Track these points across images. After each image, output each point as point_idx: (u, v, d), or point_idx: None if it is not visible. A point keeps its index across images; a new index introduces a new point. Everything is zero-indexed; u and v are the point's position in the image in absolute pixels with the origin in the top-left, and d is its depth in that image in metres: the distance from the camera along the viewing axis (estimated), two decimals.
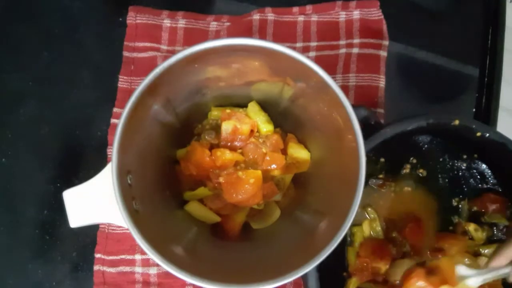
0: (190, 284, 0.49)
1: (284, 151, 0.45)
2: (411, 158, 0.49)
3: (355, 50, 0.53)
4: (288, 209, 0.45)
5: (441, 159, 0.49)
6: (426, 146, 0.49)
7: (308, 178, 0.46)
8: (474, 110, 0.55)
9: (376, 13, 0.53)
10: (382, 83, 0.53)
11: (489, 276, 0.36)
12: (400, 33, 0.54)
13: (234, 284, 0.33)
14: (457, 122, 0.43)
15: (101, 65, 0.53)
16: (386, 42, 0.53)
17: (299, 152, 0.45)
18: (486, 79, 0.55)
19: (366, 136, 0.35)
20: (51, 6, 0.54)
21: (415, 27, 0.56)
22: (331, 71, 0.53)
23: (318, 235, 0.37)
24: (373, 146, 0.42)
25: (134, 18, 0.53)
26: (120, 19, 0.53)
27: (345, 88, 0.52)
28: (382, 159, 0.49)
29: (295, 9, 0.54)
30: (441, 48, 0.55)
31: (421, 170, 0.49)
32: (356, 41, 0.53)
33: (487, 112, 0.54)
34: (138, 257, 0.49)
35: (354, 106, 0.34)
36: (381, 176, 0.49)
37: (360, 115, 0.34)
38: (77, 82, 0.52)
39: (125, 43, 0.53)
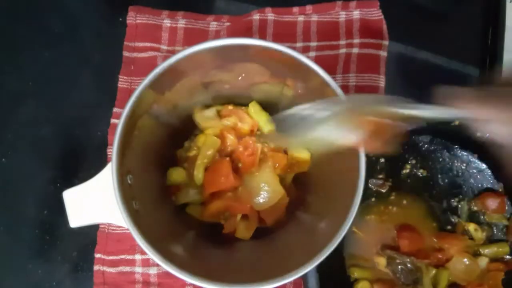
0: (190, 284, 0.49)
1: (285, 151, 0.45)
2: (411, 159, 0.49)
3: (355, 50, 0.53)
4: (288, 209, 0.45)
5: (440, 159, 0.49)
6: (426, 146, 0.49)
7: (308, 178, 0.46)
8: None
9: (376, 13, 0.53)
10: (382, 83, 0.53)
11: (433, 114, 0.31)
12: (400, 33, 0.54)
13: (234, 284, 0.33)
14: (457, 122, 0.43)
15: (101, 65, 0.53)
16: (386, 42, 0.53)
17: (300, 152, 0.45)
18: None
19: None
20: (51, 6, 0.54)
21: (415, 27, 0.56)
22: (331, 71, 0.52)
23: (318, 235, 0.38)
24: None
25: (134, 18, 0.53)
26: (120, 19, 0.53)
27: (345, 88, 0.52)
28: (382, 160, 0.49)
29: (295, 9, 0.54)
30: (441, 48, 0.55)
31: (421, 170, 0.49)
32: (356, 41, 0.53)
33: None
34: (138, 257, 0.49)
35: None
36: (381, 176, 0.49)
37: None
38: (77, 82, 0.52)
39: (125, 43, 0.53)
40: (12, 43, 0.53)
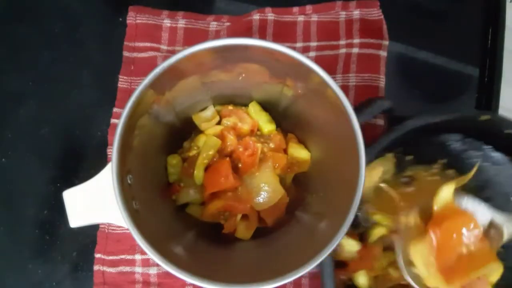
0: (190, 284, 0.49)
1: (284, 151, 0.45)
2: (439, 158, 0.46)
3: (355, 50, 0.53)
4: (288, 209, 0.45)
5: (471, 160, 0.46)
6: (455, 145, 0.46)
7: (308, 178, 0.46)
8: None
9: (376, 13, 0.53)
10: (382, 83, 0.53)
11: None
12: (400, 33, 0.54)
13: (234, 284, 0.33)
14: (484, 117, 0.40)
15: (101, 65, 0.53)
16: (386, 42, 0.53)
17: (299, 152, 0.45)
18: (486, 79, 0.55)
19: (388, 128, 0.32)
20: (51, 6, 0.54)
21: (415, 27, 0.56)
22: (331, 71, 0.53)
23: (318, 235, 0.37)
24: (395, 137, 0.40)
25: (134, 18, 0.53)
26: (120, 19, 0.53)
27: (345, 88, 0.52)
28: (410, 157, 0.46)
29: (295, 9, 0.54)
30: (441, 48, 0.55)
31: (450, 171, 0.46)
32: (356, 41, 0.53)
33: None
34: (138, 257, 0.49)
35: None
36: (406, 174, 0.46)
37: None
38: (77, 82, 0.52)
39: (125, 43, 0.53)
40: (12, 43, 0.53)
